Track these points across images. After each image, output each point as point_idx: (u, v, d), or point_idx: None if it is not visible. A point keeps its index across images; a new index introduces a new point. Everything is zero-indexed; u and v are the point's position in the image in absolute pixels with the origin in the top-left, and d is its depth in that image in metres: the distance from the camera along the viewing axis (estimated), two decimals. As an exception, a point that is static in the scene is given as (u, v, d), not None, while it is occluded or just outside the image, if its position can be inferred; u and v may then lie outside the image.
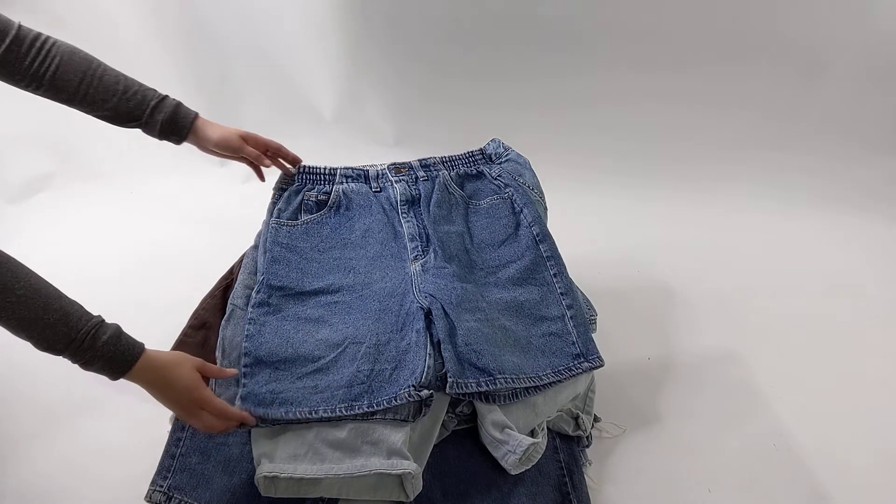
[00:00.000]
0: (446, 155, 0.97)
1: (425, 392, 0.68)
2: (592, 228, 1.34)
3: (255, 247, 0.94)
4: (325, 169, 0.93)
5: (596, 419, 0.86)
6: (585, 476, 0.80)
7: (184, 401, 0.65)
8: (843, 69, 1.41)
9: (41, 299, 0.57)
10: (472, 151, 0.99)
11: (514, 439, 0.70)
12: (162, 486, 0.71)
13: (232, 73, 1.47)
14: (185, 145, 0.83)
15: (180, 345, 0.84)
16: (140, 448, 0.80)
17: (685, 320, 1.11)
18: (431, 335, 0.73)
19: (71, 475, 0.81)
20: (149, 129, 0.79)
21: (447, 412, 0.75)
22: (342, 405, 0.70)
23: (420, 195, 0.91)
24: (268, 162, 0.88)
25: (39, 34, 0.70)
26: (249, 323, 0.76)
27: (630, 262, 1.24)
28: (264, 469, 0.65)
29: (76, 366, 0.60)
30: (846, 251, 1.32)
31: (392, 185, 0.93)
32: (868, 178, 1.48)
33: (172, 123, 0.79)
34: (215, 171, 1.49)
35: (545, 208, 0.97)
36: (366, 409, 0.69)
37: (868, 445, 0.90)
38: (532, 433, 0.74)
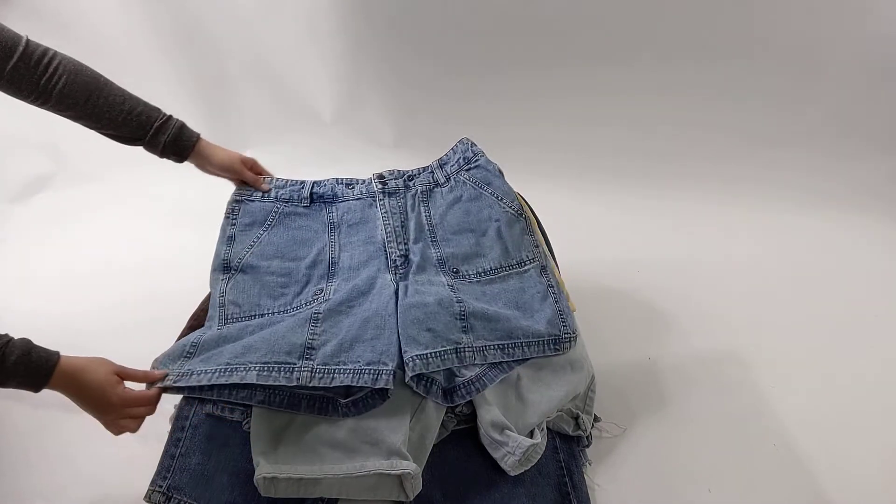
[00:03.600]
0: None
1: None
2: (593, 228, 1.34)
3: (255, 247, 0.93)
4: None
5: (596, 419, 0.86)
6: (585, 476, 0.80)
7: (101, 402, 0.66)
8: (845, 67, 1.41)
9: None
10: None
11: (513, 440, 0.70)
12: (161, 487, 0.71)
13: (231, 76, 1.47)
14: None
15: (180, 345, 0.84)
16: (140, 448, 0.80)
17: (685, 320, 1.11)
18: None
19: (70, 476, 0.81)
20: (151, 147, 0.81)
21: (447, 412, 0.75)
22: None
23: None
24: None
25: (47, 50, 0.71)
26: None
27: (630, 262, 1.24)
28: (263, 469, 0.65)
29: None
30: (847, 250, 1.32)
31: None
32: (870, 177, 1.48)
33: (175, 144, 0.82)
34: (215, 171, 1.49)
35: (518, 214, 0.92)
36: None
37: (868, 445, 0.90)
38: (531, 434, 0.74)
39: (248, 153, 1.52)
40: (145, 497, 0.71)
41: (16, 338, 0.62)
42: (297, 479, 0.65)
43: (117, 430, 0.69)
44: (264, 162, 1.49)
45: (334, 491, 0.68)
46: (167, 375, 0.71)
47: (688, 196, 1.44)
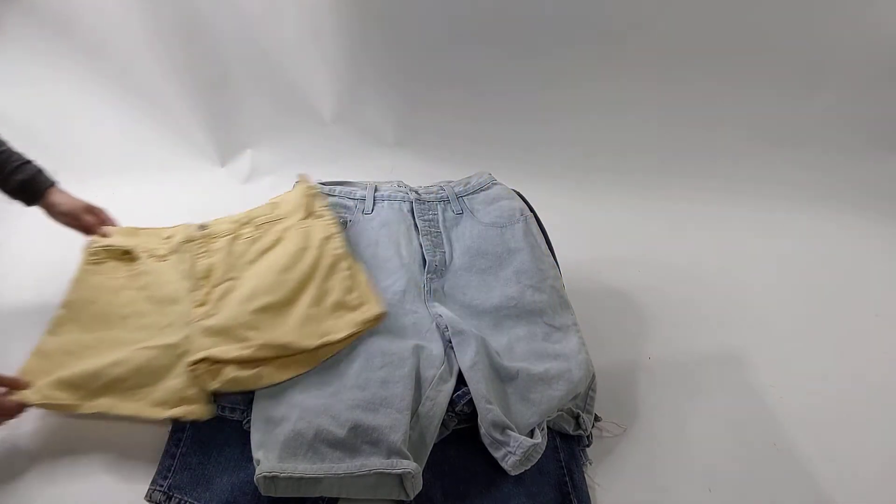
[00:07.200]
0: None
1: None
2: (593, 228, 1.33)
3: (256, 246, 0.93)
4: None
5: (596, 418, 0.86)
6: (586, 476, 0.80)
7: None
8: (849, 64, 1.41)
9: None
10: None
11: (514, 440, 0.70)
12: (162, 486, 0.71)
13: (231, 74, 1.46)
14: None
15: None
16: (140, 448, 0.80)
17: (686, 320, 1.11)
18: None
19: (70, 475, 0.81)
20: (2, 185, 0.85)
21: (447, 412, 0.75)
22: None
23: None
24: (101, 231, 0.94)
25: None
26: None
27: (630, 262, 1.24)
28: (264, 468, 0.65)
29: None
30: (848, 250, 1.32)
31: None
32: (871, 176, 1.48)
33: (28, 186, 0.86)
34: (215, 171, 1.49)
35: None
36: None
37: (869, 445, 0.90)
38: (531, 433, 0.74)
39: (249, 152, 1.54)
40: (146, 496, 0.71)
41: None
42: (297, 479, 0.65)
43: None
44: (265, 161, 1.50)
45: (334, 490, 0.68)
46: None
47: (689, 196, 1.44)
